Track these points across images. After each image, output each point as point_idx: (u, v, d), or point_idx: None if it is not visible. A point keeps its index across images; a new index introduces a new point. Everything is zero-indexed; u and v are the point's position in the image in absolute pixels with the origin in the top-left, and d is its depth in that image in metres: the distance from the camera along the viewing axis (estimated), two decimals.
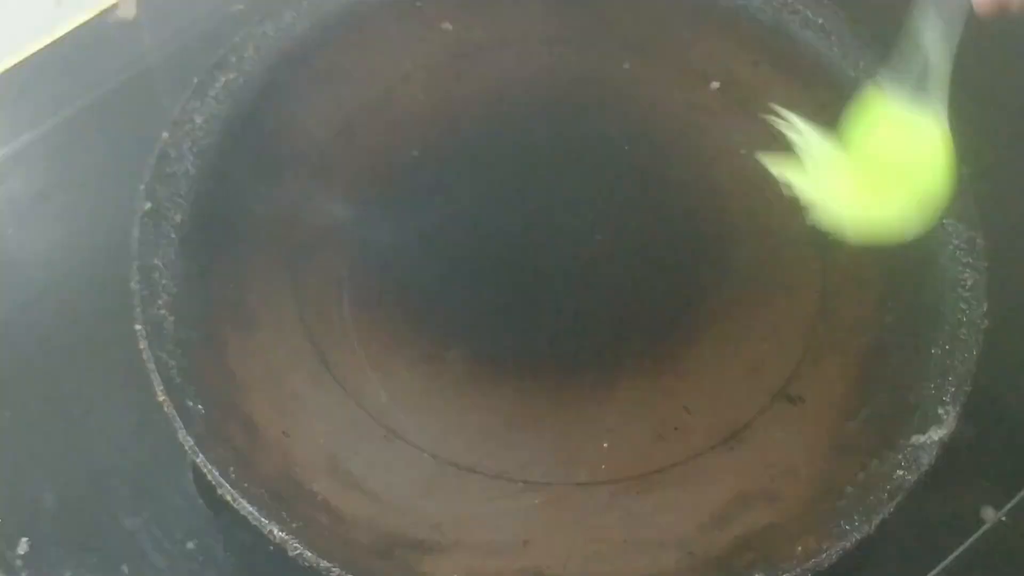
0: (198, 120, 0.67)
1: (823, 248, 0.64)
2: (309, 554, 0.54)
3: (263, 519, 0.55)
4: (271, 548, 0.55)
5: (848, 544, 0.54)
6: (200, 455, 0.56)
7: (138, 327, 0.60)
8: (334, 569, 0.54)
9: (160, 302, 0.61)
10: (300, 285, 0.63)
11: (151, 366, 0.59)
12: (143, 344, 0.59)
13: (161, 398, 0.58)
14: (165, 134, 0.66)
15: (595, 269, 0.66)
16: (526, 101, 0.71)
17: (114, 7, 0.81)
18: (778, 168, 0.53)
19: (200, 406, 0.58)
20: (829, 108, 0.69)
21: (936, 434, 0.56)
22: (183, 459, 0.61)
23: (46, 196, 0.74)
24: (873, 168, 0.53)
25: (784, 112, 0.54)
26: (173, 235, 0.63)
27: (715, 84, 0.72)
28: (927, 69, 0.50)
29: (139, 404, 0.63)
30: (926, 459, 0.56)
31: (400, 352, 0.61)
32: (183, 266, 0.63)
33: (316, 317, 0.62)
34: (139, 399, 0.62)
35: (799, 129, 0.54)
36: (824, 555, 0.54)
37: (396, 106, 0.69)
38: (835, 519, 0.55)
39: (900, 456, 0.56)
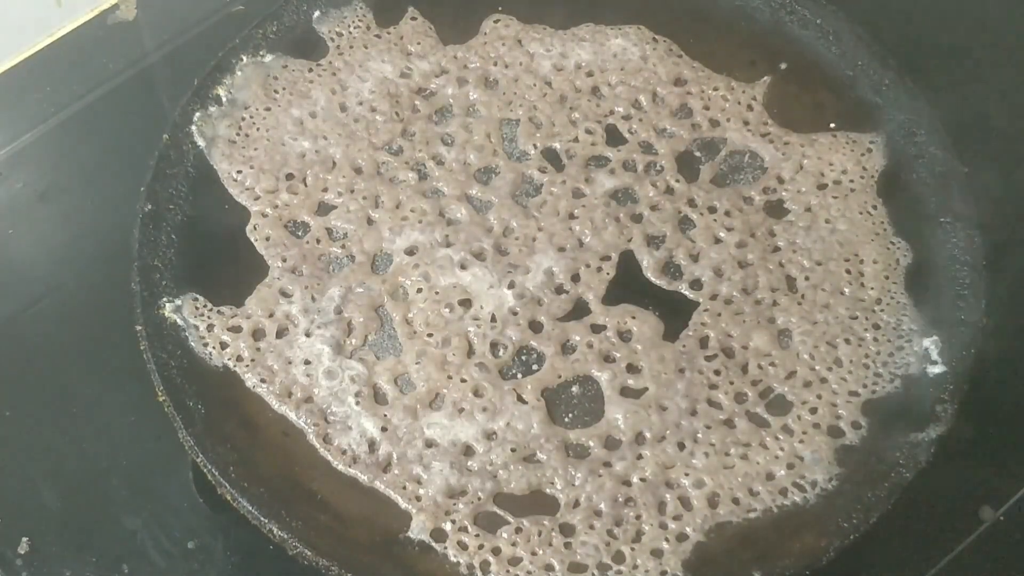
0: (198, 121, 0.67)
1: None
2: (309, 553, 0.54)
3: (263, 518, 0.55)
4: (271, 548, 0.56)
5: (846, 541, 0.54)
6: (200, 455, 0.57)
7: (138, 327, 0.60)
8: (333, 568, 0.54)
9: (160, 302, 0.61)
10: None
11: (151, 366, 0.59)
12: (143, 344, 0.60)
13: (161, 398, 0.58)
14: (165, 135, 0.66)
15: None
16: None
17: (114, 7, 0.81)
18: None
19: (200, 406, 0.58)
20: (827, 107, 0.70)
21: (934, 431, 0.56)
22: (183, 459, 0.61)
23: (46, 196, 0.74)
24: None
25: None
26: (173, 236, 0.63)
27: None
28: None
29: (139, 404, 0.63)
30: (924, 456, 0.56)
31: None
32: (183, 266, 0.63)
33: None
34: (139, 399, 0.62)
35: None
36: (823, 553, 0.54)
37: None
38: (833, 516, 0.55)
39: (898, 453, 0.56)
